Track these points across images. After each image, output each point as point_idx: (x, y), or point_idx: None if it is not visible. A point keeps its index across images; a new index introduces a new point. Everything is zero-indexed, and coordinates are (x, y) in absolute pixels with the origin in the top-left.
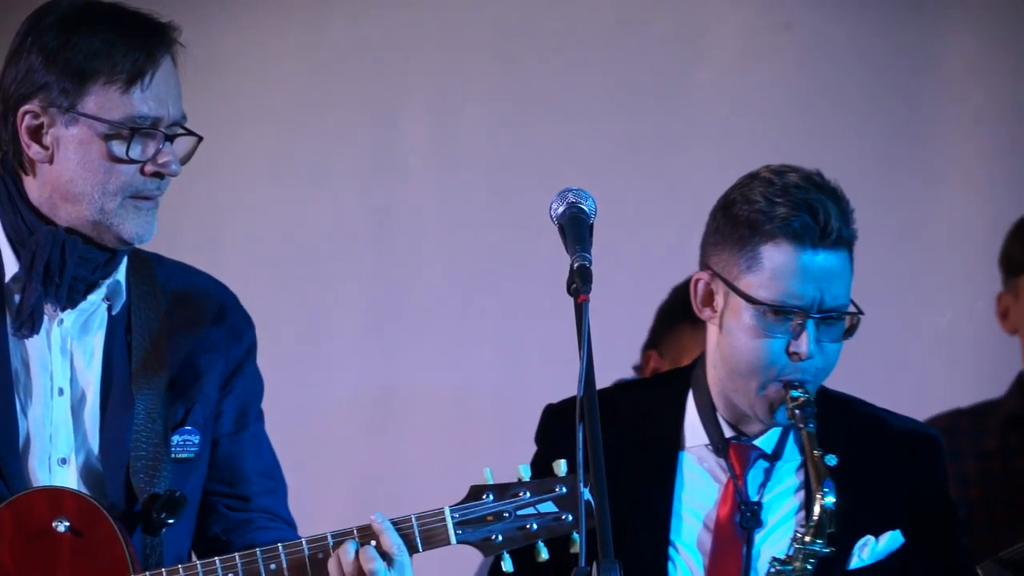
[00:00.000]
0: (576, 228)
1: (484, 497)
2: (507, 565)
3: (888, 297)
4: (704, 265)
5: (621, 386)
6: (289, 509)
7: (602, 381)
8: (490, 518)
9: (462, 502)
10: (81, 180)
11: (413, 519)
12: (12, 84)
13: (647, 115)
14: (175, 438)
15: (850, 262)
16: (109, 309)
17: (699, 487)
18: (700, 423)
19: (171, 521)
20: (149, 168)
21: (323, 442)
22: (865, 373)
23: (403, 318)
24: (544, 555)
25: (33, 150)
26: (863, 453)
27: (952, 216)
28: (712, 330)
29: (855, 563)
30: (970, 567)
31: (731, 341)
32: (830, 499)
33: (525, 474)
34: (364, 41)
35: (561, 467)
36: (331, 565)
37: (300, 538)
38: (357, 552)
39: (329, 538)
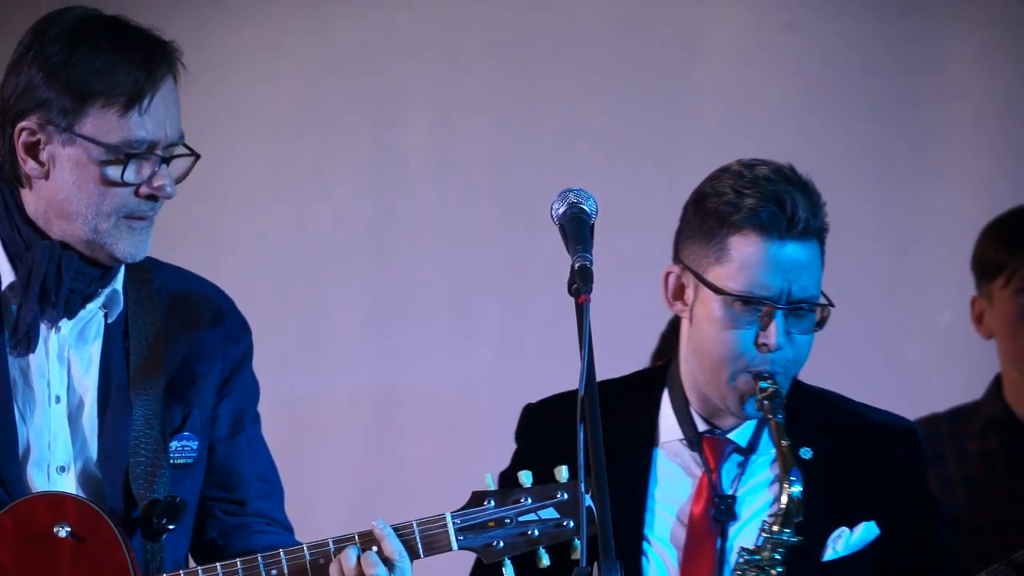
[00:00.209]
0: (577, 228)
1: (486, 503)
2: (509, 571)
3: (887, 297)
4: (676, 259)
5: (598, 384)
6: (286, 513)
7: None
8: (492, 524)
9: (463, 508)
10: (75, 199)
11: (414, 525)
12: (12, 96)
13: (647, 115)
14: (174, 444)
15: (820, 254)
16: (106, 317)
17: (673, 482)
18: (675, 418)
19: (172, 527)
20: (144, 190)
21: (323, 443)
22: (864, 373)
23: (403, 320)
24: (545, 561)
25: (29, 165)
26: (839, 446)
27: (952, 216)
28: (684, 324)
29: (829, 555)
30: (953, 560)
31: (701, 333)
32: (797, 488)
33: (527, 480)
34: (364, 43)
35: (563, 473)
36: (333, 570)
37: (299, 543)
38: (359, 558)
39: (331, 544)
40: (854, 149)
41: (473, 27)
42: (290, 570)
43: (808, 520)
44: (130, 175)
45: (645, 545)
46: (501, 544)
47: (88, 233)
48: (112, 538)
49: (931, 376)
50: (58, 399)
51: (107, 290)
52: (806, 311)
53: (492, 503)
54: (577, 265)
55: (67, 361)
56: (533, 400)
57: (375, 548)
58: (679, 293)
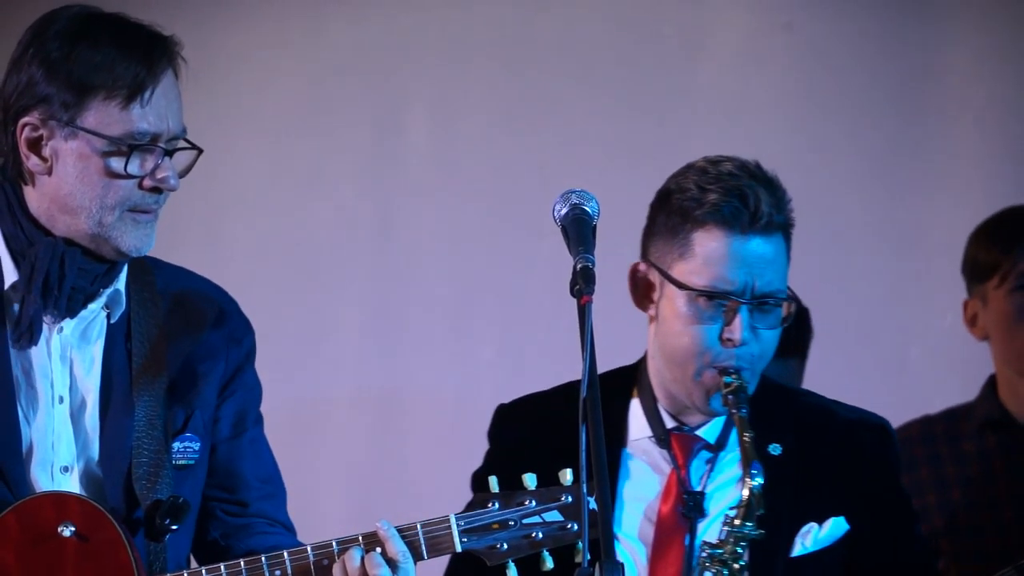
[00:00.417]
0: (579, 229)
1: (490, 505)
2: (512, 574)
3: (889, 298)
4: (642, 256)
5: (569, 384)
6: (288, 514)
7: None
8: (495, 526)
9: (467, 510)
10: (79, 194)
11: (418, 526)
12: (13, 94)
13: (648, 116)
14: (176, 445)
15: (785, 249)
16: (108, 317)
17: (642, 479)
18: (644, 416)
19: (175, 527)
20: (147, 183)
21: (323, 443)
22: (866, 374)
23: (405, 320)
24: (549, 564)
25: (32, 161)
26: (808, 442)
27: (952, 217)
28: (650, 321)
29: (798, 550)
30: (925, 556)
31: (667, 330)
32: (758, 480)
33: (531, 483)
34: (365, 44)
35: (567, 476)
36: (336, 571)
37: (301, 544)
38: (363, 559)
39: (334, 545)
40: (854, 150)
41: (474, 28)
42: (294, 571)
43: (777, 516)
44: (133, 167)
45: (614, 542)
46: (505, 546)
47: (93, 227)
48: (116, 538)
49: (933, 377)
50: (61, 399)
51: (109, 290)
52: (771, 306)
53: (496, 505)
54: (579, 266)
55: (69, 361)
56: None
57: (379, 549)
58: (645, 290)
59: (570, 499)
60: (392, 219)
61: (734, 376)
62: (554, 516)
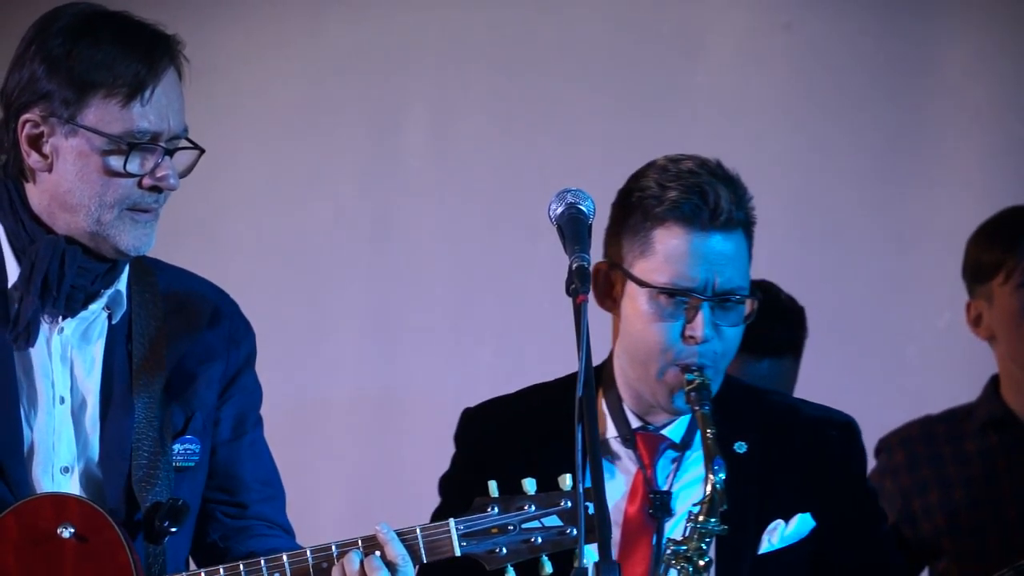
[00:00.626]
0: (575, 229)
1: (489, 510)
2: None
3: (886, 298)
4: (604, 255)
5: (535, 387)
6: (287, 516)
7: None
8: (495, 531)
9: (467, 514)
10: (79, 191)
11: (418, 530)
12: (15, 90)
13: (647, 116)
14: (176, 447)
15: (747, 247)
16: (109, 318)
17: (609, 479)
18: (609, 416)
19: (174, 530)
20: (147, 182)
21: (322, 443)
22: (863, 374)
23: (403, 320)
24: (548, 569)
25: (33, 158)
26: (773, 439)
27: (951, 217)
28: (614, 320)
29: (765, 548)
30: (891, 553)
31: (629, 328)
32: (721, 476)
33: (531, 488)
34: (363, 45)
35: (566, 481)
36: (335, 574)
37: (300, 546)
38: (362, 562)
39: (334, 548)
40: (853, 149)
41: (473, 28)
42: (292, 573)
43: (743, 513)
44: (133, 166)
45: None
46: (504, 551)
47: (92, 225)
48: (115, 539)
49: (931, 376)
50: (62, 400)
51: (111, 291)
52: (733, 303)
53: (495, 510)
54: (575, 265)
55: (70, 362)
56: None
57: (378, 552)
58: (607, 290)
59: (569, 504)
60: (391, 219)
61: (696, 373)
62: (553, 521)
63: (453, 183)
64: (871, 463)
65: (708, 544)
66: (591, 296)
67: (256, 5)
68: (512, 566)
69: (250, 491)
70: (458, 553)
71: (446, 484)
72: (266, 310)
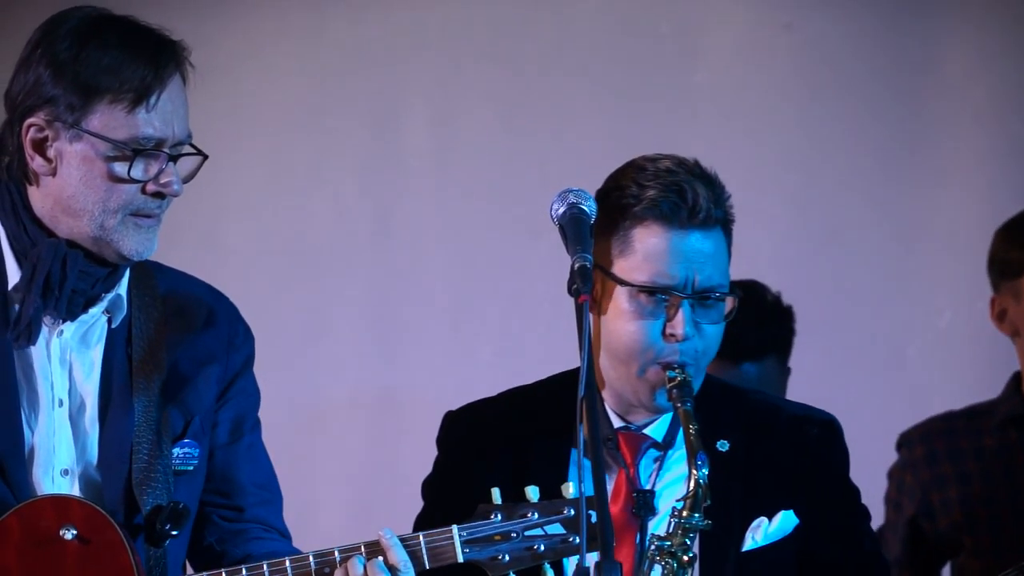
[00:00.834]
0: (577, 228)
1: (492, 516)
2: None
3: (887, 297)
4: None
5: (517, 389)
6: (284, 520)
7: None
8: (498, 538)
9: (470, 521)
10: (82, 196)
11: (421, 536)
12: (20, 94)
13: (647, 115)
14: (176, 451)
15: (726, 244)
16: (109, 322)
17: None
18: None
19: (175, 532)
20: (151, 187)
21: (323, 444)
22: (864, 373)
23: (403, 320)
24: None
25: (37, 162)
26: (755, 437)
27: (951, 216)
28: (594, 320)
29: (749, 545)
30: (874, 551)
31: (610, 328)
32: (704, 471)
33: (533, 495)
34: (364, 43)
35: (570, 489)
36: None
37: (297, 550)
38: (365, 566)
39: (336, 553)
40: (854, 149)
41: (472, 28)
42: None
43: (727, 511)
44: (137, 171)
45: None
46: (507, 558)
47: (95, 230)
48: (117, 541)
49: (931, 376)
50: (61, 402)
51: (111, 295)
52: (713, 301)
53: (499, 517)
54: (577, 265)
55: (69, 364)
56: None
57: (381, 558)
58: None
59: (572, 512)
60: (391, 218)
61: (678, 371)
62: (556, 529)
63: (453, 182)
64: (892, 458)
65: (692, 540)
66: (565, 294)
67: (256, 4)
68: (515, 573)
69: (247, 495)
70: (461, 560)
71: (428, 488)
72: (266, 309)
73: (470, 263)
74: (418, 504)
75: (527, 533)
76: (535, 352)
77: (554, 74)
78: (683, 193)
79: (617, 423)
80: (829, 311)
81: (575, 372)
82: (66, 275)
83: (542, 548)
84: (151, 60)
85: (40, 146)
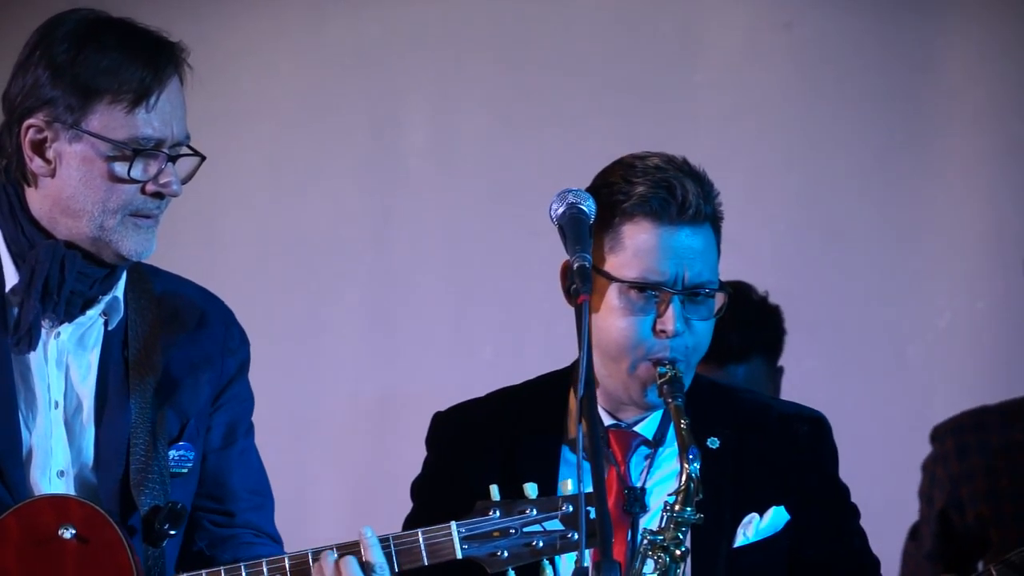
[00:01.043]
0: (576, 229)
1: (491, 513)
2: None
3: (887, 297)
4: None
5: (504, 389)
6: (275, 525)
7: None
8: (496, 534)
9: (468, 517)
10: (82, 196)
11: (419, 533)
12: (18, 96)
13: (647, 115)
14: (172, 453)
15: (715, 241)
16: (106, 324)
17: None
18: (577, 413)
19: (173, 532)
20: (150, 188)
21: (322, 444)
22: (864, 373)
23: (403, 320)
24: (549, 573)
25: (36, 163)
26: (745, 434)
27: (952, 216)
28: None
29: (740, 541)
30: (862, 548)
31: (600, 324)
32: (696, 465)
33: (532, 492)
34: (363, 42)
35: (568, 486)
36: (314, 572)
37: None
38: (336, 563)
39: (310, 556)
40: (854, 149)
41: (472, 26)
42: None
43: (718, 508)
44: (137, 172)
45: None
46: (505, 554)
47: (94, 231)
48: (116, 541)
49: (931, 376)
50: (57, 404)
51: (108, 297)
52: (703, 297)
53: (497, 513)
54: (576, 265)
55: (65, 366)
56: None
57: (354, 555)
58: None
59: (571, 508)
60: (390, 217)
61: (668, 367)
62: (555, 525)
63: (453, 182)
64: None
65: (684, 534)
66: (559, 293)
67: (255, 3)
68: (513, 569)
69: (239, 500)
70: (459, 556)
71: (418, 488)
72: (266, 309)
73: (470, 263)
74: None
75: (526, 529)
76: (535, 352)
77: (554, 74)
78: (672, 189)
79: (608, 421)
80: (829, 311)
81: (563, 372)
82: (64, 277)
83: (541, 544)
84: (150, 61)
85: (39, 147)
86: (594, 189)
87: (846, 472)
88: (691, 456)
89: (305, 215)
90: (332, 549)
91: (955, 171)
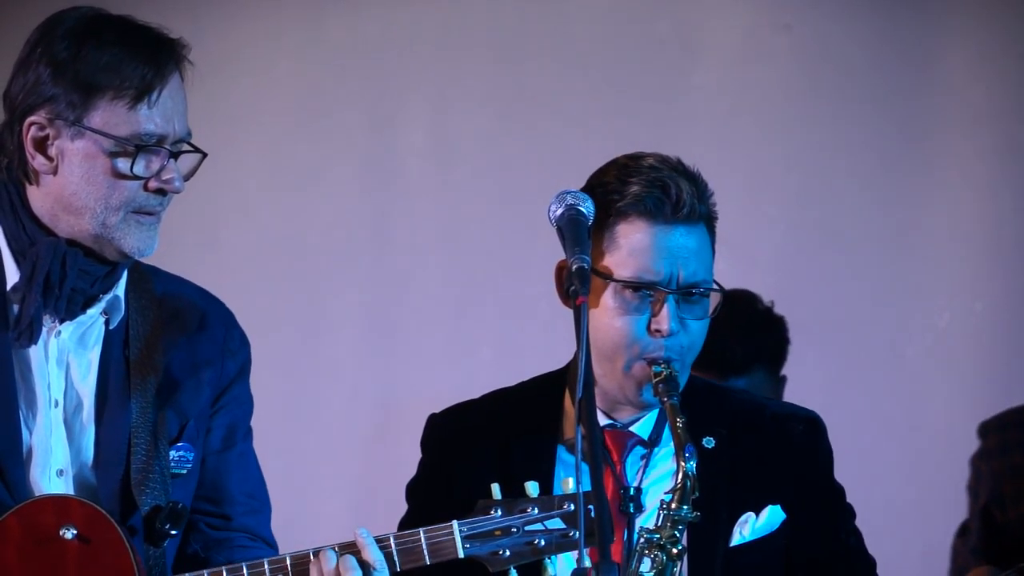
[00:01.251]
0: (574, 230)
1: (492, 512)
2: None
3: (887, 297)
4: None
5: (499, 391)
6: (271, 530)
7: None
8: (498, 533)
9: (470, 516)
10: (84, 193)
11: (421, 532)
12: (20, 94)
13: (647, 116)
14: (172, 453)
15: (710, 240)
16: (107, 323)
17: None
18: (576, 415)
19: (174, 532)
20: (153, 184)
21: (322, 444)
22: (863, 373)
23: (402, 321)
24: (551, 571)
25: (38, 161)
26: (741, 434)
27: (951, 216)
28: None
29: (737, 540)
30: (857, 547)
31: (595, 323)
32: (692, 463)
33: (533, 491)
34: (362, 42)
35: (570, 485)
36: (312, 571)
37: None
38: (337, 561)
39: (311, 554)
40: (854, 149)
41: (471, 27)
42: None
43: (714, 507)
44: (139, 168)
45: None
46: (507, 553)
47: (96, 228)
48: (118, 541)
49: (931, 376)
50: (56, 403)
51: (109, 296)
52: (698, 296)
53: (499, 512)
54: (575, 266)
55: (66, 365)
56: None
57: (353, 555)
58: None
59: (572, 507)
60: (389, 219)
61: (663, 366)
62: (556, 524)
63: (452, 183)
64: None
65: (681, 532)
66: (556, 294)
67: (255, 3)
68: (515, 568)
69: (235, 503)
70: (461, 555)
71: (413, 490)
72: (265, 309)
73: (469, 263)
74: None
75: (527, 528)
76: (534, 352)
77: (553, 74)
78: (667, 188)
79: (603, 421)
80: (829, 311)
81: (559, 373)
82: (66, 273)
83: (542, 543)
84: (151, 57)
85: (41, 144)
86: (589, 189)
87: (845, 472)
88: (687, 454)
89: (304, 215)
90: (333, 548)
91: (955, 171)
